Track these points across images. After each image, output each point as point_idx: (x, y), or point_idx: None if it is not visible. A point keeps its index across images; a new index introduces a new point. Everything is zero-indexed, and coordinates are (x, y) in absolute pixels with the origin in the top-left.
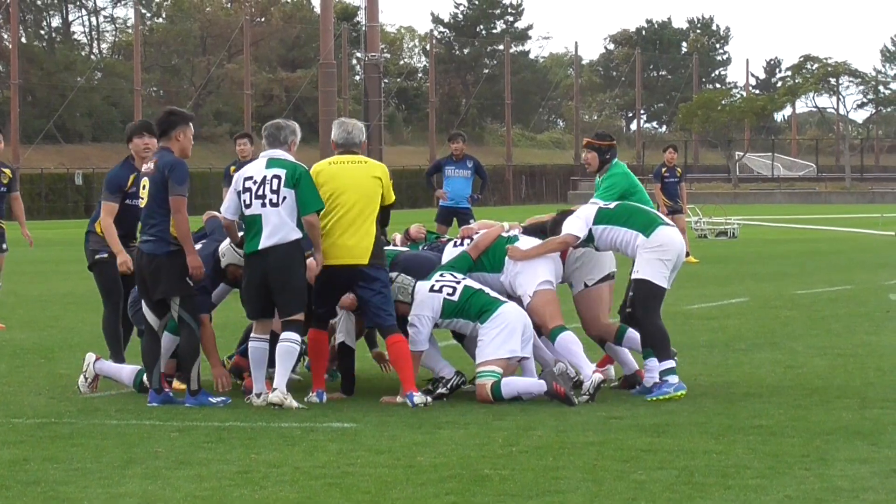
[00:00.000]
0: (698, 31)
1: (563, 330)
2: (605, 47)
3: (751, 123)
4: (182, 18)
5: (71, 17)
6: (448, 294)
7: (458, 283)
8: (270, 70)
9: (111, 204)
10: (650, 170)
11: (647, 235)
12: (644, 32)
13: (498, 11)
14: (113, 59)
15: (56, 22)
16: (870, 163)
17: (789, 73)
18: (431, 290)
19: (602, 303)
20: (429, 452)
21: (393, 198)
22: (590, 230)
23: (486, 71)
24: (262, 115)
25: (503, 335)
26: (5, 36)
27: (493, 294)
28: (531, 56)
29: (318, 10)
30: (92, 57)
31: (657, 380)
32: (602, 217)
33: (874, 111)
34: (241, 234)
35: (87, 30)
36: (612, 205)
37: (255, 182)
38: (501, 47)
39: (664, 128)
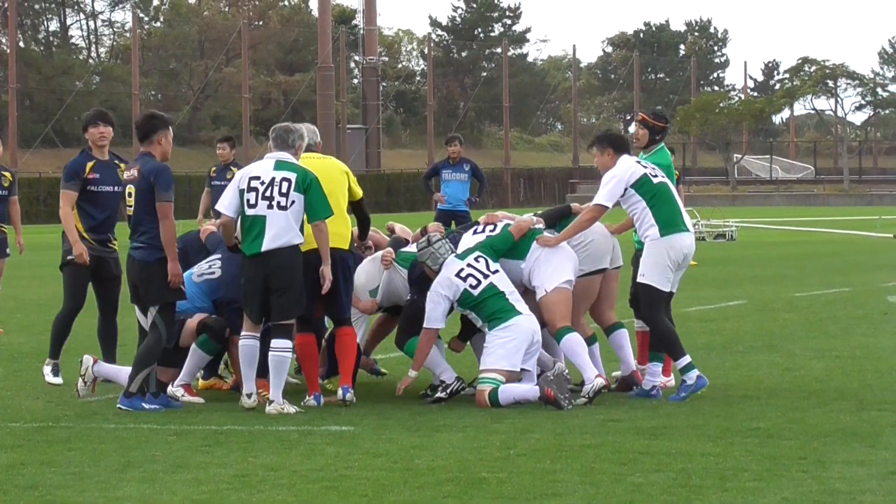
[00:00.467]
0: (696, 33)
1: (571, 331)
2: (603, 50)
3: (749, 126)
4: (180, 22)
5: (69, 21)
6: (471, 285)
7: (486, 277)
8: (268, 74)
9: (70, 192)
10: None
11: (661, 234)
12: (642, 35)
13: (496, 14)
14: (111, 63)
15: (54, 26)
16: (868, 165)
17: (787, 75)
18: (458, 274)
19: (585, 297)
20: (426, 455)
21: (360, 193)
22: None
23: (485, 74)
24: (260, 119)
25: (509, 348)
26: (3, 40)
27: (513, 300)
28: (529, 59)
29: (316, 13)
30: (90, 61)
31: (657, 383)
32: (643, 185)
33: (872, 113)
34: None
35: (84, 34)
36: (657, 179)
37: (262, 182)
38: (499, 50)
39: None
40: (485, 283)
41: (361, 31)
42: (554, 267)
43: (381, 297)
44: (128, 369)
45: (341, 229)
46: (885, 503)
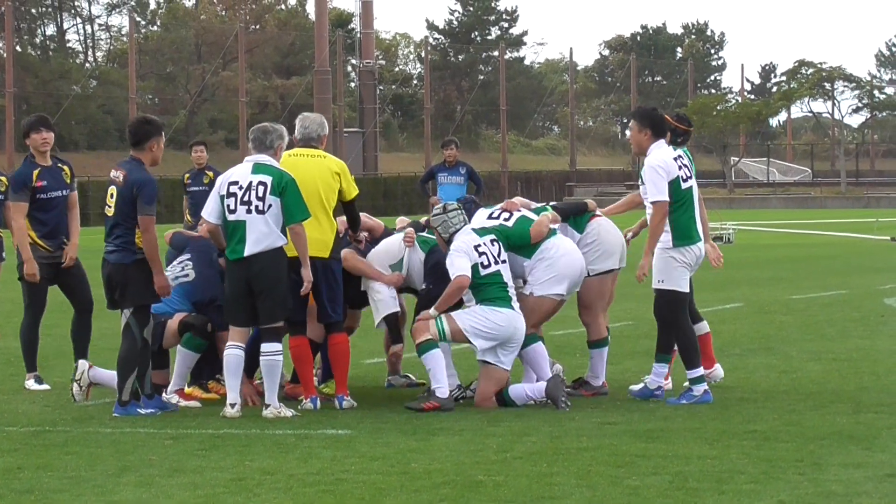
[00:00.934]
0: (693, 36)
1: (536, 340)
2: (600, 53)
3: (746, 129)
4: (177, 26)
5: (66, 26)
6: (482, 264)
7: (496, 263)
8: (265, 77)
9: (21, 203)
10: None
11: (674, 244)
12: (639, 38)
13: (493, 18)
14: (108, 67)
15: (51, 30)
16: (865, 167)
17: (784, 78)
18: (476, 248)
19: (601, 296)
20: (423, 459)
21: (354, 192)
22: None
23: (482, 77)
24: (257, 123)
25: (487, 331)
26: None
27: (512, 292)
28: (526, 62)
29: (312, 17)
30: (87, 65)
31: (661, 384)
32: (673, 187)
33: (869, 116)
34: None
35: (81, 38)
36: (686, 184)
37: (240, 187)
38: (496, 53)
39: None
40: (494, 268)
41: (358, 35)
42: (553, 275)
43: (405, 271)
44: None
45: (326, 236)
46: None
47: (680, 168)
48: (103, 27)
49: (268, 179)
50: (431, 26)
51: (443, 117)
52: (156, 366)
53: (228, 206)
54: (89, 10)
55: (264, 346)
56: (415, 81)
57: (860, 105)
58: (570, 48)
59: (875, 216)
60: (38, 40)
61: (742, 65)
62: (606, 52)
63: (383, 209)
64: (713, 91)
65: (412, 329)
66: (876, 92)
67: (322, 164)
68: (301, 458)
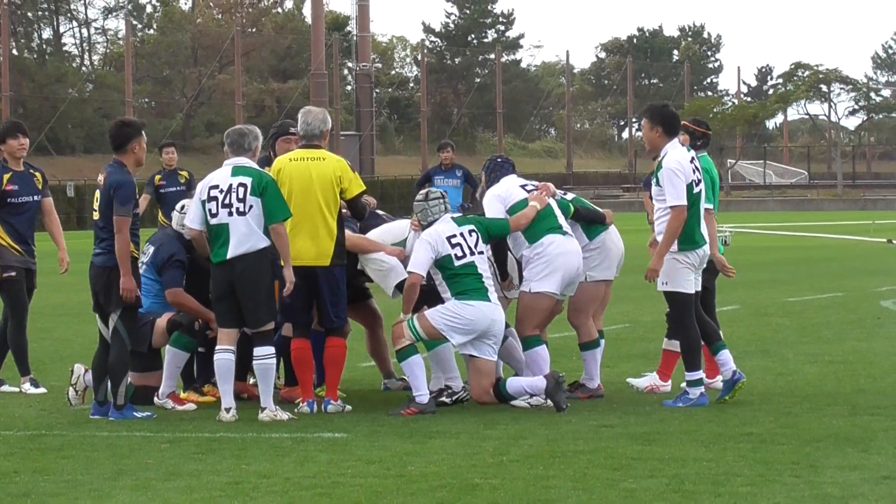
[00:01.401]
0: (689, 38)
1: (539, 343)
2: (597, 56)
3: (742, 131)
4: (173, 30)
5: (62, 29)
6: (456, 255)
7: (472, 254)
8: (262, 81)
9: None
10: (641, 178)
11: (679, 248)
12: (635, 40)
13: (489, 21)
14: (104, 70)
15: (47, 34)
16: (861, 170)
17: (781, 80)
18: (449, 238)
19: (593, 300)
20: (419, 462)
21: (358, 189)
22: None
23: (478, 80)
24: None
25: (460, 326)
26: None
27: (487, 284)
28: (522, 65)
29: (309, 20)
30: (83, 69)
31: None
32: (688, 189)
33: (866, 118)
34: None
35: (78, 42)
36: (696, 189)
37: (221, 191)
38: (493, 56)
39: None
40: (468, 258)
41: (355, 38)
42: (550, 272)
43: (407, 250)
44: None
45: (325, 246)
46: None
47: (694, 171)
48: (100, 31)
49: (248, 181)
50: (428, 29)
51: (439, 120)
52: (147, 368)
53: (210, 210)
54: (86, 14)
55: (257, 351)
56: (411, 84)
57: (856, 107)
58: (567, 51)
59: (871, 218)
60: (34, 44)
61: (738, 67)
62: (603, 55)
63: None
64: (710, 94)
65: (392, 335)
66: (872, 94)
67: (321, 170)
68: (297, 462)
